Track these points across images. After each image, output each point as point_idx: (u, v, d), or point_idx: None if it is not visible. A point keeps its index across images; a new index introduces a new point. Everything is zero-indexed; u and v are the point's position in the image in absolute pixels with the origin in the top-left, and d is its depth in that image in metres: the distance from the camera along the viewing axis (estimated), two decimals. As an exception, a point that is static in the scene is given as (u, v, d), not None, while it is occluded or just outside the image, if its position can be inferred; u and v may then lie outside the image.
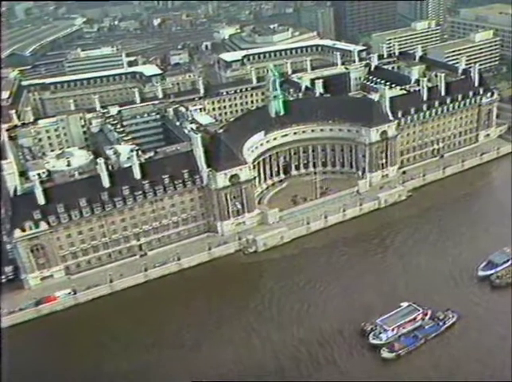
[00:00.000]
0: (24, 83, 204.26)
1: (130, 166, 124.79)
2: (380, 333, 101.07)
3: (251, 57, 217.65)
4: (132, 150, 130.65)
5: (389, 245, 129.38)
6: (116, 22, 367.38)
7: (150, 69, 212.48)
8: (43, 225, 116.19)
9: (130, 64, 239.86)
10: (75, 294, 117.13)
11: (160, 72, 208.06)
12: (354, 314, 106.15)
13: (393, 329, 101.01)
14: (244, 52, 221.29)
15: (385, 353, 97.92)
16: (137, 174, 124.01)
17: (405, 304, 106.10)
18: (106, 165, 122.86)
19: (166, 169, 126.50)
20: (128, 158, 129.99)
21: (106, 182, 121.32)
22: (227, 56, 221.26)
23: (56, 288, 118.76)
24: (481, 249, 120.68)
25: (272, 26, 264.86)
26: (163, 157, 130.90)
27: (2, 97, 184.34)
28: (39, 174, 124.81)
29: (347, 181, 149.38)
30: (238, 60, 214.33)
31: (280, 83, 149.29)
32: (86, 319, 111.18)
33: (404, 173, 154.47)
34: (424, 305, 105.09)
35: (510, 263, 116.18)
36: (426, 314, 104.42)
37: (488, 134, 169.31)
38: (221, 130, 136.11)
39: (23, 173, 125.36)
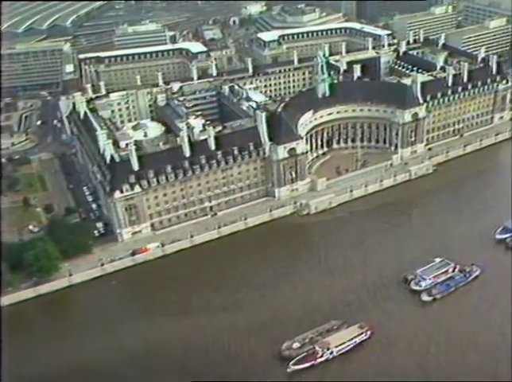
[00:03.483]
0: (80, 56, 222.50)
1: (206, 139, 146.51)
2: (420, 281, 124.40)
3: (286, 37, 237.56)
4: (205, 125, 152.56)
5: (421, 211, 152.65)
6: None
7: (196, 46, 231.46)
8: (137, 188, 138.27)
9: (171, 39, 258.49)
10: (163, 246, 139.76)
11: (205, 49, 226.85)
12: (396, 266, 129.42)
13: (430, 279, 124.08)
14: (279, 32, 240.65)
15: (424, 297, 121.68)
16: (212, 146, 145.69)
17: (438, 259, 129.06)
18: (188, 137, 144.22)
19: (235, 142, 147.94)
20: (201, 131, 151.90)
21: (187, 152, 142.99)
22: (265, 36, 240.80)
23: (144, 241, 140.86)
24: (497, 216, 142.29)
25: (300, 6, 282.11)
26: (232, 131, 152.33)
27: (67, 70, 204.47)
28: (127, 144, 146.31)
29: (380, 156, 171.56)
30: (275, 40, 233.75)
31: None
32: (175, 267, 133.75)
33: (429, 149, 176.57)
34: (453, 261, 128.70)
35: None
36: (455, 268, 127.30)
37: (502, 117, 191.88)
38: (280, 109, 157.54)
39: (114, 143, 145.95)
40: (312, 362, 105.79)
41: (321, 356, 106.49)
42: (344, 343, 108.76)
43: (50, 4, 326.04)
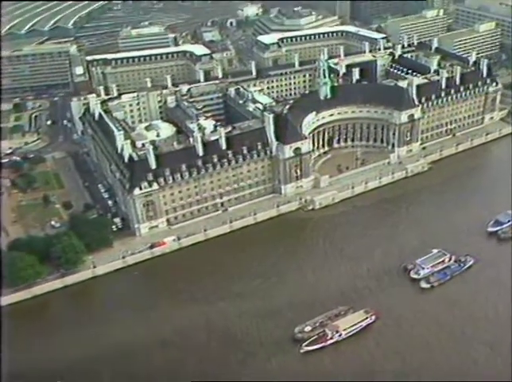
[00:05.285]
0: (88, 58, 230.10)
1: (217, 139, 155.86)
2: (419, 270, 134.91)
3: (285, 40, 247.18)
4: (217, 126, 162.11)
5: (418, 205, 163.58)
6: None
7: (199, 48, 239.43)
8: (155, 185, 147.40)
9: (173, 41, 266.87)
10: (179, 239, 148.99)
11: (209, 52, 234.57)
12: (396, 256, 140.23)
13: (428, 268, 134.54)
14: (279, 35, 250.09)
15: (423, 284, 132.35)
16: (223, 145, 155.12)
17: (435, 250, 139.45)
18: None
19: (244, 142, 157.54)
20: (212, 132, 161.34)
21: (200, 151, 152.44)
22: (265, 39, 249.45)
23: (160, 235, 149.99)
24: (489, 210, 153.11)
25: (296, 9, 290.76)
26: (241, 132, 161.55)
27: (77, 72, 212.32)
28: (143, 144, 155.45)
29: (378, 154, 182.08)
30: (274, 43, 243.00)
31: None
32: (191, 259, 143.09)
33: (424, 148, 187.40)
34: (449, 251, 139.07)
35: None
36: (451, 258, 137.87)
37: (492, 117, 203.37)
38: (285, 110, 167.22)
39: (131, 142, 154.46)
40: (323, 343, 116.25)
41: (331, 338, 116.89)
42: (352, 326, 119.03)
43: (51, 4, 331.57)
